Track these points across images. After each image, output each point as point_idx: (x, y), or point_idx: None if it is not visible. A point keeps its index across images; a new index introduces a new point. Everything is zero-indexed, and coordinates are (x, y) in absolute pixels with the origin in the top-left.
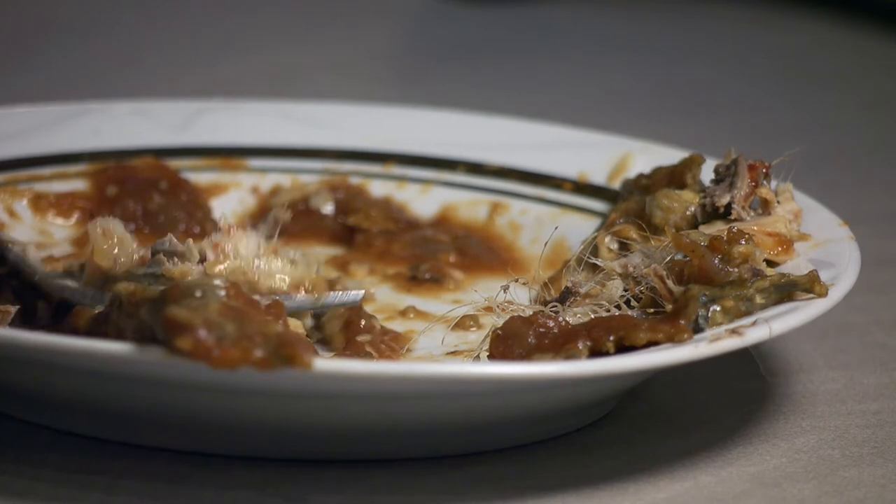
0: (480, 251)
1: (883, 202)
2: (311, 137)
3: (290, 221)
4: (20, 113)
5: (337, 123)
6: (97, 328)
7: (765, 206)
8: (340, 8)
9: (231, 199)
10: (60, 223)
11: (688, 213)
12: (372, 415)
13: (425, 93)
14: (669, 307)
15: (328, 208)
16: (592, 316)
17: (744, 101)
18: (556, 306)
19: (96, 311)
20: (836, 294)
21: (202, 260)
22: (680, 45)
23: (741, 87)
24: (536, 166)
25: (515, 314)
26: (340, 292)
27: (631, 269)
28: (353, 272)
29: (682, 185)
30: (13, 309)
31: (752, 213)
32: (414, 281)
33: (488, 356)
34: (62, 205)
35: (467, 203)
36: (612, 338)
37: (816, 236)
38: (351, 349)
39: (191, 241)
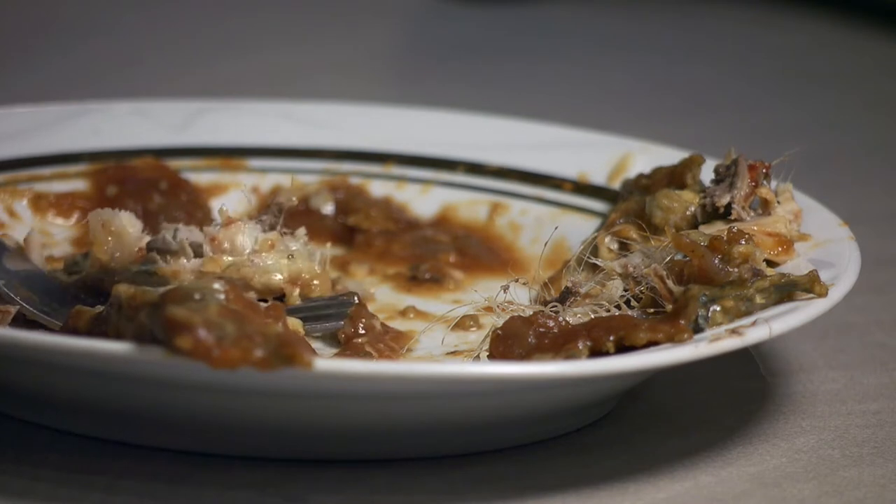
0: (480, 251)
1: (883, 202)
2: (311, 137)
3: (290, 221)
4: (20, 113)
5: (337, 123)
6: (97, 328)
7: (765, 206)
8: (340, 8)
9: (231, 199)
10: (60, 223)
11: (688, 213)
12: (372, 415)
13: (425, 93)
14: (669, 307)
15: (328, 208)
16: (592, 316)
17: (744, 101)
18: (556, 306)
19: (96, 312)
20: (836, 294)
21: (198, 255)
22: (680, 45)
23: (741, 87)
24: (536, 166)
25: (515, 314)
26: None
27: (631, 269)
28: (353, 272)
29: (682, 185)
30: (13, 309)
31: (752, 213)
32: (414, 281)
33: (488, 356)
34: (62, 205)
35: (467, 203)
36: (612, 338)
37: (816, 236)
38: (351, 349)
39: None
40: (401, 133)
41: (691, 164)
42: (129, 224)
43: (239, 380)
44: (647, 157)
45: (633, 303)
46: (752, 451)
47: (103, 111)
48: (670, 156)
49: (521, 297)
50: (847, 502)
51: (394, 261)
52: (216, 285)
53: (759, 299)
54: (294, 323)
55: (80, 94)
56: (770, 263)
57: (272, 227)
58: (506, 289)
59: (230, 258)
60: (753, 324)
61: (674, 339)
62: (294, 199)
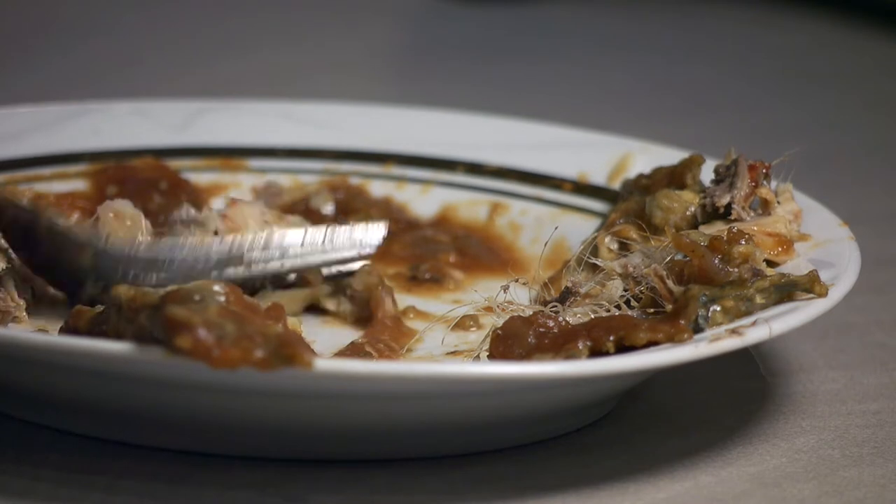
0: (480, 251)
1: (883, 202)
2: (311, 137)
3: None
4: (20, 113)
5: (337, 123)
6: (97, 328)
7: (765, 207)
8: (340, 8)
9: None
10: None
11: (688, 213)
12: (372, 415)
13: (425, 92)
14: (669, 307)
15: (328, 208)
16: (592, 316)
17: (744, 101)
18: (556, 306)
19: (96, 312)
20: (836, 294)
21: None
22: (680, 45)
23: (741, 87)
24: (536, 166)
25: (515, 314)
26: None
27: (631, 269)
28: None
29: (682, 186)
30: (13, 309)
31: (752, 214)
32: (414, 281)
33: (488, 356)
34: (62, 205)
35: (467, 203)
36: (612, 338)
37: (816, 236)
38: (351, 349)
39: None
40: (401, 133)
41: (691, 164)
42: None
43: (239, 380)
44: (647, 157)
45: (633, 303)
46: (752, 451)
47: (103, 111)
48: (670, 156)
49: (521, 297)
50: (847, 502)
51: (394, 261)
52: (216, 287)
53: (759, 299)
54: (294, 323)
55: (80, 94)
56: (770, 263)
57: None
58: (506, 289)
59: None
60: (753, 324)
61: (674, 339)
62: (282, 185)
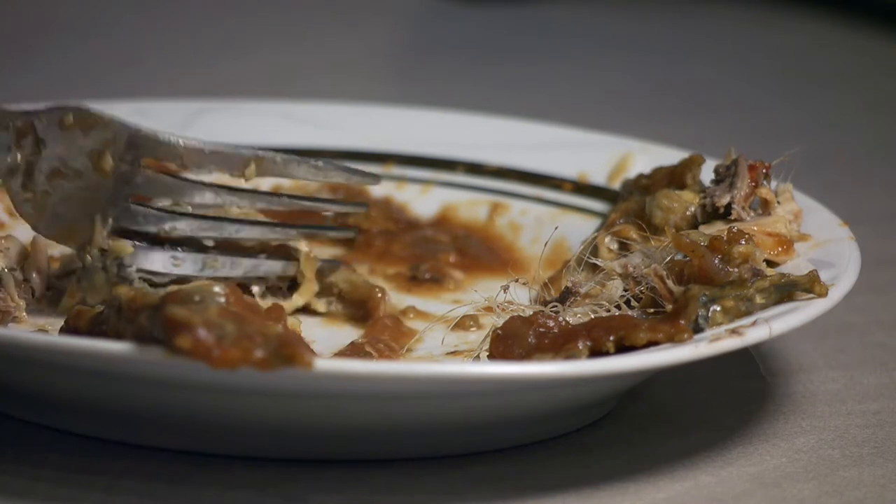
0: (480, 251)
1: (883, 202)
2: (311, 138)
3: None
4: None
5: (337, 123)
6: (97, 328)
7: (765, 207)
8: (340, 7)
9: None
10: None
11: (688, 213)
12: (372, 415)
13: (425, 92)
14: (669, 307)
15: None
16: (592, 316)
17: (744, 101)
18: (556, 306)
19: (96, 312)
20: (836, 294)
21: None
22: (680, 45)
23: (741, 87)
24: (536, 166)
25: (515, 314)
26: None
27: (631, 269)
28: None
29: (682, 186)
30: (13, 309)
31: (752, 214)
32: (414, 281)
33: (488, 356)
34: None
35: (467, 203)
36: (612, 338)
37: (816, 236)
38: (351, 349)
39: None
40: (401, 133)
41: (691, 164)
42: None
43: (239, 380)
44: (647, 157)
45: (633, 303)
46: (752, 451)
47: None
48: (670, 156)
49: (521, 297)
50: (847, 502)
51: (394, 261)
52: (216, 288)
53: (759, 299)
54: (293, 323)
55: (80, 94)
56: (770, 263)
57: None
58: (506, 289)
59: None
60: (753, 324)
61: (674, 339)
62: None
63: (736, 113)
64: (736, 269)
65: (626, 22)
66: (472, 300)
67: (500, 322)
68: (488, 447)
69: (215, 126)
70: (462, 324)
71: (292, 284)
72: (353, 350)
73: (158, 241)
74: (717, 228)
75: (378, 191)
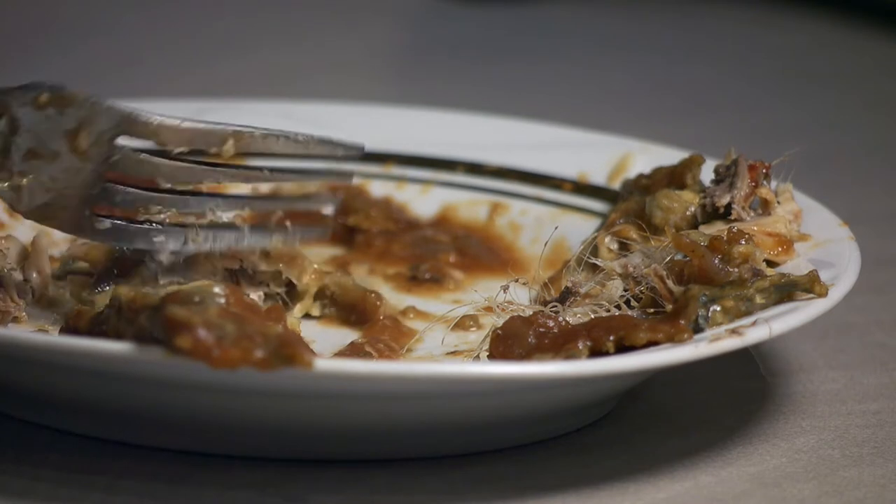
0: (480, 251)
1: (883, 202)
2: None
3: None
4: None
5: (337, 123)
6: (97, 328)
7: (765, 207)
8: (340, 7)
9: None
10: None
11: (688, 213)
12: (372, 415)
13: (425, 92)
14: (669, 307)
15: (328, 208)
16: (592, 316)
17: (744, 101)
18: (556, 306)
19: (96, 312)
20: (836, 294)
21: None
22: (680, 45)
23: (741, 87)
24: (536, 166)
25: (515, 314)
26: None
27: (631, 269)
28: (353, 272)
29: (682, 186)
30: (13, 309)
31: (752, 214)
32: (414, 281)
33: (488, 356)
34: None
35: (467, 203)
36: (612, 338)
37: (816, 236)
38: (351, 349)
39: None
40: (401, 133)
41: (691, 164)
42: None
43: (239, 380)
44: (647, 157)
45: (633, 303)
46: (752, 451)
47: None
48: (670, 156)
49: (521, 297)
50: (847, 502)
51: (394, 261)
52: (216, 289)
53: (759, 299)
54: (293, 323)
55: None
56: (770, 263)
57: None
58: (506, 289)
59: None
60: (753, 324)
61: (674, 339)
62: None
63: (736, 113)
64: (736, 269)
65: (626, 22)
66: (472, 300)
67: (500, 322)
68: (488, 447)
69: None
70: (462, 324)
71: (289, 291)
72: (352, 350)
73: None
74: (717, 228)
75: (378, 191)
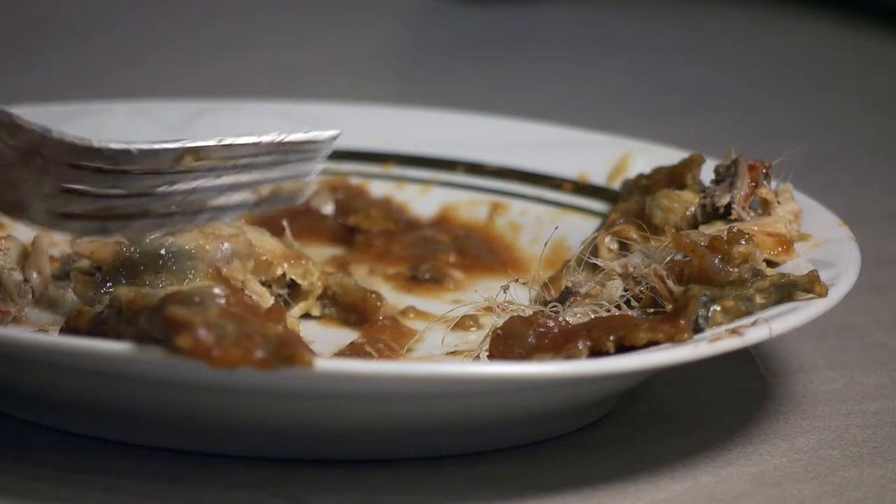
0: (480, 251)
1: (883, 202)
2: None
3: (291, 222)
4: (21, 113)
5: (337, 123)
6: (97, 328)
7: (765, 207)
8: (340, 8)
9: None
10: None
11: (688, 213)
12: (372, 415)
13: (425, 92)
14: (669, 307)
15: (328, 208)
16: (592, 316)
17: (744, 101)
18: (556, 306)
19: (96, 312)
20: (836, 294)
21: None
22: (680, 45)
23: (741, 87)
24: (536, 166)
25: (515, 314)
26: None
27: (631, 269)
28: (353, 272)
29: (682, 186)
30: (13, 309)
31: (752, 214)
32: (414, 281)
33: (488, 356)
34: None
35: (467, 203)
36: (612, 338)
37: (816, 236)
38: (351, 349)
39: None
40: (401, 133)
41: (691, 164)
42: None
43: (239, 380)
44: (647, 157)
45: (633, 303)
46: (752, 451)
47: (103, 111)
48: (670, 156)
49: (521, 297)
50: (847, 502)
51: (394, 261)
52: (216, 290)
53: (759, 299)
54: (292, 323)
55: (80, 94)
56: (770, 263)
57: None
58: (506, 289)
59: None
60: (753, 324)
61: (674, 339)
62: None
63: (736, 113)
64: (736, 269)
65: (626, 22)
66: (472, 300)
67: (500, 322)
68: (488, 447)
69: (215, 126)
70: (462, 324)
71: (290, 291)
72: (352, 350)
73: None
74: (717, 228)
75: (378, 191)
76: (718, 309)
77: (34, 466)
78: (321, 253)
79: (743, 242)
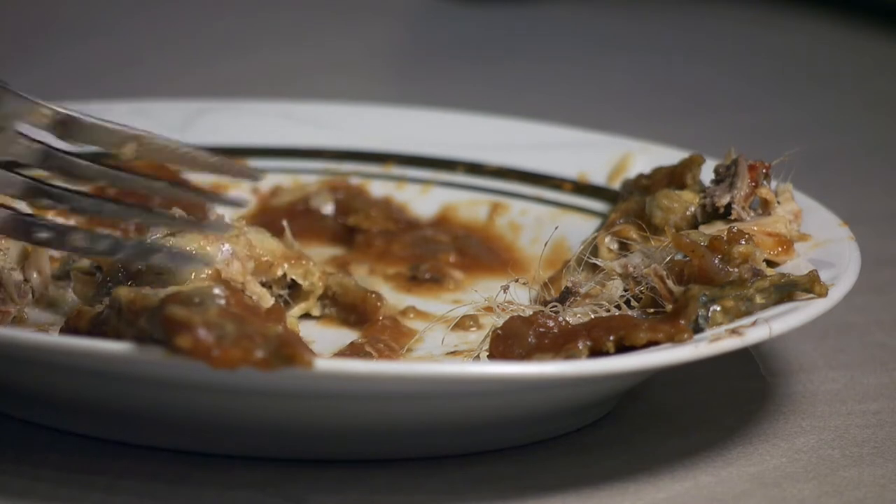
0: (480, 251)
1: (883, 202)
2: (312, 138)
3: (291, 222)
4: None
5: (337, 123)
6: (97, 328)
7: (765, 207)
8: (340, 7)
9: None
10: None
11: (688, 213)
12: (372, 415)
13: (425, 92)
14: (669, 307)
15: (328, 208)
16: (592, 316)
17: (744, 101)
18: (556, 306)
19: (96, 312)
20: (836, 294)
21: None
22: (680, 45)
23: (741, 87)
24: (536, 166)
25: (515, 314)
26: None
27: (631, 269)
28: (353, 272)
29: (682, 186)
30: (13, 309)
31: (752, 214)
32: (414, 281)
33: (488, 356)
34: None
35: (467, 203)
36: (612, 338)
37: (816, 236)
38: (351, 349)
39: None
40: (401, 133)
41: (691, 164)
42: None
43: (239, 380)
44: (647, 157)
45: (633, 303)
46: (752, 451)
47: (103, 111)
48: (670, 156)
49: (521, 297)
50: (847, 502)
51: (394, 261)
52: (216, 290)
53: (759, 299)
54: (292, 323)
55: (80, 94)
56: (770, 263)
57: None
58: (506, 289)
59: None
60: (753, 324)
61: (674, 339)
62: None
63: (736, 113)
64: (736, 269)
65: (626, 22)
66: (472, 300)
67: (500, 322)
68: (488, 447)
69: (215, 126)
70: (462, 324)
71: (291, 291)
72: (352, 350)
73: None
74: (717, 228)
75: (378, 191)
76: (718, 309)
77: (34, 466)
78: (321, 253)
79: (743, 242)
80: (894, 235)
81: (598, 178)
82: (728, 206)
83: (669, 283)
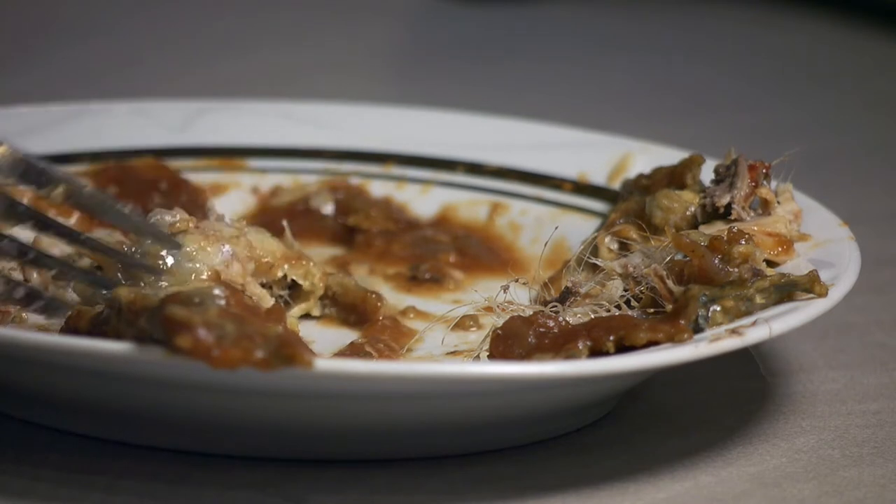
0: (480, 251)
1: (883, 202)
2: (312, 138)
3: (291, 222)
4: (21, 113)
5: (337, 123)
6: (97, 328)
7: (765, 207)
8: (340, 7)
9: (231, 199)
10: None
11: (688, 213)
12: (372, 415)
13: (425, 92)
14: (669, 307)
15: (328, 208)
16: (592, 316)
17: (744, 101)
18: (556, 306)
19: (96, 312)
20: (836, 294)
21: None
22: (680, 45)
23: (741, 87)
24: (536, 166)
25: (515, 314)
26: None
27: (631, 269)
28: (353, 272)
29: (682, 186)
30: (13, 309)
31: (752, 214)
32: (414, 281)
33: (488, 356)
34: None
35: (467, 203)
36: (612, 338)
37: (816, 236)
38: (351, 349)
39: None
40: (401, 133)
41: (691, 164)
42: None
43: (239, 380)
44: (647, 157)
45: (633, 303)
46: (752, 451)
47: (103, 111)
48: (670, 156)
49: (521, 297)
50: (847, 502)
51: (394, 261)
52: (216, 290)
53: (759, 299)
54: (292, 323)
55: (81, 94)
56: (770, 263)
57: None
58: (506, 289)
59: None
60: (753, 324)
61: (674, 339)
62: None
63: (736, 113)
64: (736, 269)
65: (626, 22)
66: (472, 300)
67: (500, 322)
68: (488, 447)
69: (215, 126)
70: (462, 324)
71: (291, 291)
72: (352, 350)
73: None
74: (717, 228)
75: (378, 191)
76: (718, 309)
77: (34, 466)
78: (321, 253)
79: (743, 242)
80: (894, 235)
81: (598, 178)
82: (728, 206)
83: (669, 283)
